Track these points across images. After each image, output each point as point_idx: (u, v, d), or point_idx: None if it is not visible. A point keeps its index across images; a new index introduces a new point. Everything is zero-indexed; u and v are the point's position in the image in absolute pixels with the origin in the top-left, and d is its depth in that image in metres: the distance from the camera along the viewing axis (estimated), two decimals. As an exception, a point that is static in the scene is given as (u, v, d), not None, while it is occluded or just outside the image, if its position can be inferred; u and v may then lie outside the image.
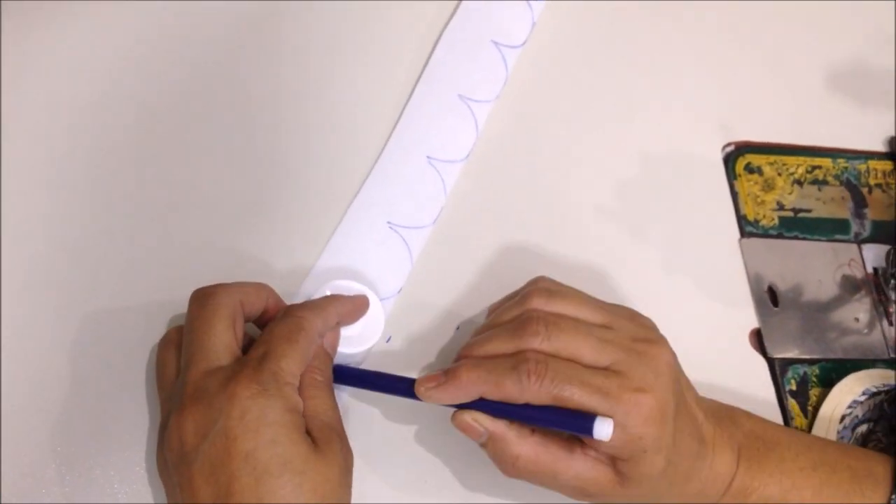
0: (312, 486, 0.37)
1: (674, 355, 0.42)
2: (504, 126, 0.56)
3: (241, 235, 0.49)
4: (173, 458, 0.38)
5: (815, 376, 0.53)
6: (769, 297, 0.54)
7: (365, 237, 0.50)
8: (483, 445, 0.41)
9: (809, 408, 0.52)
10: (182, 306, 0.43)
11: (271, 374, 0.38)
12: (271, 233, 0.50)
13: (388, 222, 0.51)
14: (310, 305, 0.43)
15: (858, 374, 0.53)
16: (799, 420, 0.51)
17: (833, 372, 0.53)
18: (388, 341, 0.48)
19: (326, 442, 0.39)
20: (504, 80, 0.56)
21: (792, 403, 0.52)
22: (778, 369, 0.52)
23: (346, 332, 0.45)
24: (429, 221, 0.52)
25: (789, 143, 0.60)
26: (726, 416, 0.45)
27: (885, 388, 0.51)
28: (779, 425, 0.48)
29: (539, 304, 0.42)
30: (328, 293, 0.45)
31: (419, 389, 0.41)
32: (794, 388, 0.52)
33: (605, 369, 0.40)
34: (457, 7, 0.57)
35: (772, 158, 0.59)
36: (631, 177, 0.56)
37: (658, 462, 0.40)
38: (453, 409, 0.41)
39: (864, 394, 0.51)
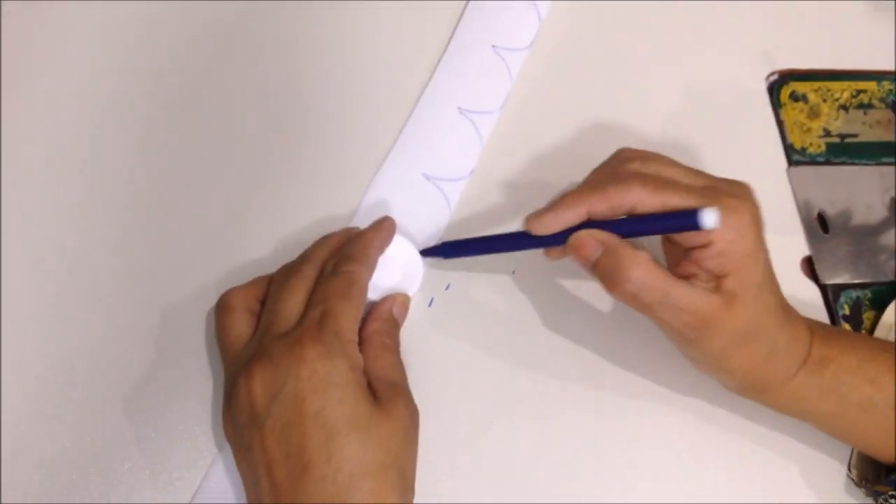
0: (378, 442, 0.38)
1: None
2: (538, 74, 0.56)
3: (279, 193, 0.50)
4: (243, 419, 0.39)
5: (868, 300, 0.53)
6: (819, 224, 0.55)
7: (401, 189, 0.51)
8: (594, 267, 0.41)
9: (863, 331, 0.52)
10: (232, 265, 0.46)
11: (333, 334, 0.40)
12: (309, 189, 0.51)
13: (424, 174, 0.52)
14: (353, 256, 0.44)
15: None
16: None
17: (885, 295, 0.53)
18: (447, 289, 0.50)
19: (391, 400, 0.40)
20: (537, 29, 0.57)
21: (846, 327, 0.52)
22: (831, 295, 0.53)
23: (384, 282, 0.47)
24: (466, 173, 0.52)
25: (833, 69, 0.59)
26: None
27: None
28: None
29: (631, 152, 0.44)
30: None
31: (530, 221, 0.42)
32: (847, 312, 0.53)
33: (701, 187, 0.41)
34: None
35: (816, 85, 0.59)
36: (677, 111, 0.56)
37: (758, 269, 0.40)
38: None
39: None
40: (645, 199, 0.40)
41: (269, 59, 0.54)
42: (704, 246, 0.40)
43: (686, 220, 0.39)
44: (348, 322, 0.41)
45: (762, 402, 0.45)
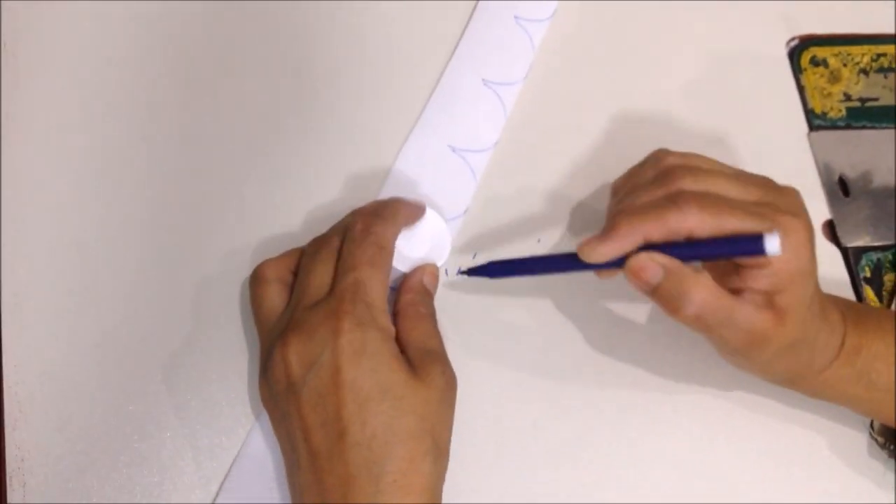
0: (412, 408, 0.39)
1: None
2: (560, 46, 0.56)
3: (307, 165, 0.51)
4: (280, 388, 0.41)
5: (889, 262, 0.54)
6: (840, 188, 0.55)
7: (427, 161, 0.52)
8: (654, 292, 0.40)
9: (885, 293, 0.53)
10: (263, 238, 0.48)
11: (365, 305, 0.41)
12: (337, 163, 0.52)
13: (450, 146, 0.53)
14: (380, 219, 0.44)
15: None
16: (875, 305, 0.53)
17: (906, 257, 0.54)
18: (473, 257, 0.51)
19: (425, 367, 0.41)
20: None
21: (867, 290, 0.53)
22: (852, 258, 0.54)
23: (413, 253, 0.47)
24: (490, 144, 0.53)
25: (853, 33, 0.60)
26: None
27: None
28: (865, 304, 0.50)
29: (675, 160, 0.43)
30: None
31: (583, 250, 0.40)
32: (868, 275, 0.53)
33: (755, 203, 0.41)
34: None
35: (836, 49, 0.59)
36: (699, 78, 0.57)
37: (810, 286, 0.41)
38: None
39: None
40: (703, 225, 0.39)
41: (295, 37, 0.55)
42: (760, 266, 0.39)
43: (749, 246, 0.39)
44: (378, 290, 0.42)
45: (793, 389, 0.46)
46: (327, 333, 0.40)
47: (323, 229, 0.47)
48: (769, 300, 0.40)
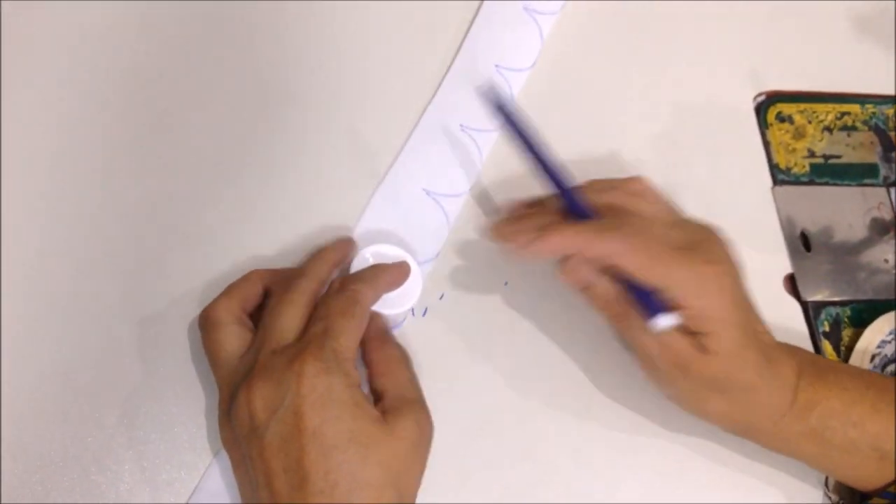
0: (377, 458, 0.39)
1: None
2: (535, 90, 0.57)
3: (281, 202, 0.52)
4: (243, 432, 0.40)
5: (847, 317, 0.55)
6: (802, 243, 0.56)
7: (401, 203, 0.52)
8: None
9: (842, 348, 0.54)
10: (231, 268, 0.47)
11: (332, 351, 0.40)
12: (310, 200, 0.52)
13: (425, 189, 0.53)
14: (361, 277, 0.45)
15: (888, 315, 0.55)
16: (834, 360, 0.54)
17: (864, 313, 0.55)
18: (441, 298, 0.51)
19: (399, 416, 0.41)
20: (539, 50, 0.58)
21: (825, 344, 0.54)
22: (812, 312, 0.55)
23: (385, 294, 0.47)
24: (465, 189, 0.54)
25: (818, 91, 0.61)
26: (783, 343, 0.47)
27: (914, 328, 0.54)
28: (826, 357, 0.50)
29: (634, 192, 0.46)
30: (368, 258, 0.48)
31: (498, 231, 0.45)
32: (827, 329, 0.54)
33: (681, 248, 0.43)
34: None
35: (802, 106, 0.60)
36: (666, 130, 0.58)
37: (733, 333, 0.42)
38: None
39: (891, 333, 0.54)
40: (633, 272, 0.42)
41: (265, 67, 0.55)
42: (677, 307, 0.42)
43: (647, 311, 0.42)
44: (348, 340, 0.42)
45: (748, 440, 0.47)
46: (292, 378, 0.39)
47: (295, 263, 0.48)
48: (693, 335, 0.42)
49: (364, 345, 0.46)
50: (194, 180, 0.51)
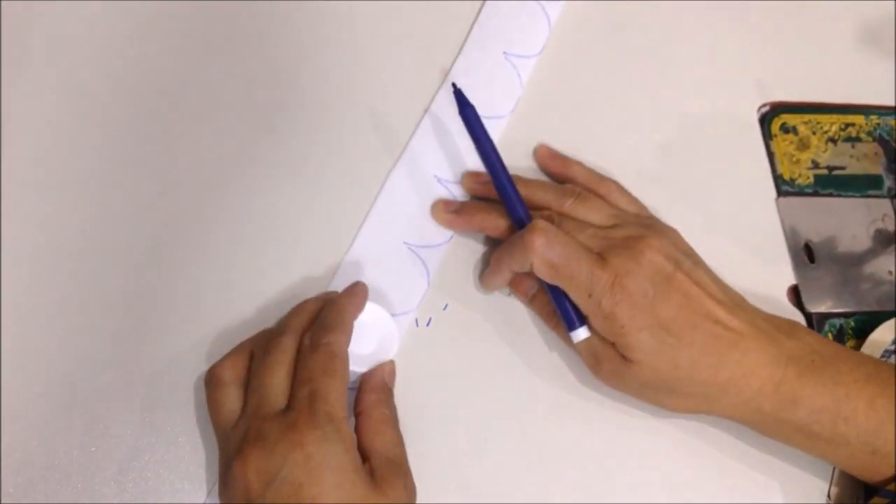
0: None
1: (668, 246, 0.46)
2: (531, 109, 0.57)
3: (259, 251, 0.51)
4: (239, 502, 0.40)
5: (851, 328, 0.55)
6: (806, 254, 0.57)
7: (379, 255, 0.51)
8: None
9: (846, 359, 0.54)
10: (212, 331, 0.47)
11: (326, 415, 0.40)
12: (287, 250, 0.51)
13: (404, 242, 0.52)
14: (328, 325, 0.44)
15: (889, 323, 0.55)
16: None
17: (868, 324, 0.55)
18: (444, 309, 0.51)
19: (389, 479, 0.41)
20: (546, 36, 0.58)
21: (831, 353, 0.54)
22: (815, 323, 0.55)
23: (360, 350, 0.47)
24: (445, 238, 0.53)
25: (823, 102, 0.61)
26: (785, 329, 0.47)
27: (917, 337, 0.54)
28: (838, 344, 0.49)
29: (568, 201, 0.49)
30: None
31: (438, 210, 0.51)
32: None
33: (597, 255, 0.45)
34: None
35: (806, 118, 0.60)
36: (670, 140, 0.58)
37: (641, 337, 0.43)
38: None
39: (894, 343, 0.54)
40: (541, 275, 0.45)
41: (248, 104, 0.55)
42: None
43: (566, 321, 0.46)
44: (337, 399, 0.41)
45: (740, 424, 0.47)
46: (287, 448, 0.39)
47: (275, 318, 0.48)
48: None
49: (358, 395, 0.46)
50: (181, 237, 0.50)
